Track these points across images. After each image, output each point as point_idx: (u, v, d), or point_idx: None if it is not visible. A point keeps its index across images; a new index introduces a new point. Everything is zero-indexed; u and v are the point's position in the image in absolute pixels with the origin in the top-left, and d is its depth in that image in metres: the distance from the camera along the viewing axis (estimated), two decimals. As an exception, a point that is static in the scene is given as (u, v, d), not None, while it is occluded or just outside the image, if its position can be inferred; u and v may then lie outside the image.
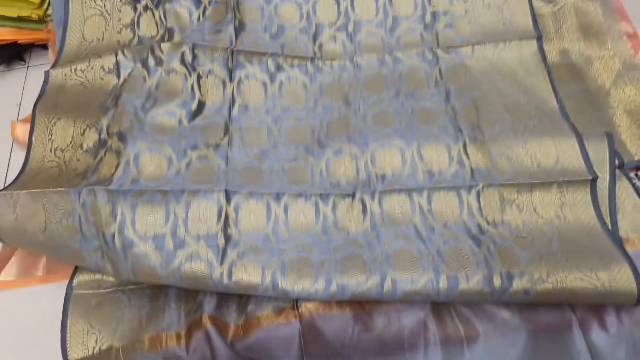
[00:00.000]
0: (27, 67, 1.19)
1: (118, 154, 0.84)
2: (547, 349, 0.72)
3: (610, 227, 0.78)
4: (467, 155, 0.85)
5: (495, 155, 0.84)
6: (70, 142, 0.92)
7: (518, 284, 0.71)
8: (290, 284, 0.74)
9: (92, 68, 0.99)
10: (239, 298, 0.79)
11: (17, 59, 1.20)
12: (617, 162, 0.84)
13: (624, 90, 0.94)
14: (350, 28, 1.06)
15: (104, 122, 0.90)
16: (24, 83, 1.16)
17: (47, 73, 1.00)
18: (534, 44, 0.98)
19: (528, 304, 0.74)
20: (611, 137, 0.84)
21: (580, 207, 0.79)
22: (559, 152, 0.83)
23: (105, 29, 1.04)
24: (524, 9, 1.02)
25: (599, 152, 0.83)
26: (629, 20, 1.04)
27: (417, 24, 1.05)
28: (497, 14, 1.03)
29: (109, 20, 1.05)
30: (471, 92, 0.93)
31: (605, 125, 0.90)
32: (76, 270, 0.84)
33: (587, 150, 0.82)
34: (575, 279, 0.71)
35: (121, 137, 0.86)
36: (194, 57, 0.96)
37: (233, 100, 0.96)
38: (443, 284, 0.73)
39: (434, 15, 1.05)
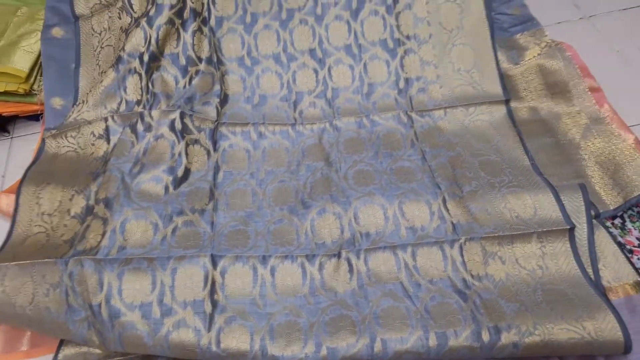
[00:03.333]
0: (11, 138, 1.20)
1: (104, 221, 0.84)
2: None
3: (592, 276, 0.80)
4: (447, 210, 0.88)
5: (475, 209, 0.87)
6: (58, 207, 0.92)
7: (506, 337, 0.71)
8: (280, 350, 0.73)
9: (82, 134, 1.01)
10: None
11: (0, 130, 1.21)
12: (593, 212, 0.86)
13: (593, 143, 0.98)
14: (329, 95, 1.11)
15: (93, 188, 0.90)
16: (7, 154, 1.16)
17: (43, 142, 1.02)
18: (503, 107, 1.03)
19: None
20: (584, 188, 0.87)
21: (561, 256, 0.81)
22: (536, 204, 0.86)
23: (91, 92, 1.07)
24: (492, 73, 1.08)
25: (575, 203, 0.85)
26: (592, 77, 1.10)
27: (391, 89, 1.10)
28: (467, 77, 1.09)
29: (96, 84, 1.07)
30: (446, 152, 0.97)
31: (579, 176, 0.94)
32: (62, 343, 0.81)
33: (563, 202, 0.85)
34: (562, 330, 0.71)
35: (107, 204, 0.87)
36: (183, 125, 0.99)
37: (217, 168, 0.99)
38: (432, 341, 0.72)
39: (407, 80, 1.10)
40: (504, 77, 1.09)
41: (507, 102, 1.04)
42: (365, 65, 1.13)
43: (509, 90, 1.07)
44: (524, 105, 1.07)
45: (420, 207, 0.88)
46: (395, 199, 0.89)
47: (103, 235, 0.82)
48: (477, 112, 1.04)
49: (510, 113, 1.03)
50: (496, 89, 1.06)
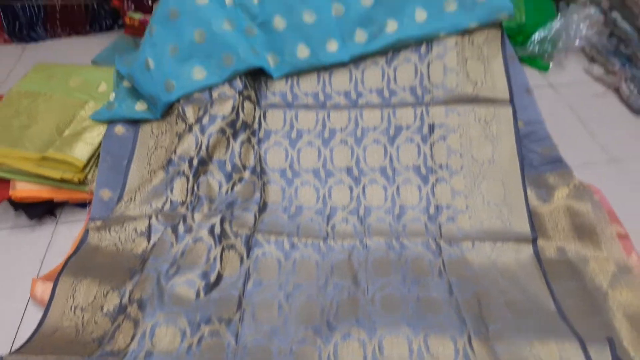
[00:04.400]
0: (57, 222, 1.26)
1: (136, 323, 0.87)
2: None
3: None
4: (472, 349, 0.87)
5: (500, 351, 0.86)
6: (92, 302, 0.95)
7: None
8: None
9: (125, 229, 1.06)
10: None
11: (48, 214, 1.27)
12: (621, 369, 0.85)
13: (621, 293, 0.98)
14: (361, 212, 1.16)
15: (128, 287, 0.94)
16: (50, 239, 1.22)
17: (86, 233, 1.07)
18: (530, 248, 1.06)
19: None
20: (613, 344, 0.86)
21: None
22: (562, 353, 0.85)
23: (139, 190, 1.13)
24: (520, 209, 1.12)
25: (602, 358, 0.84)
26: (620, 222, 1.13)
27: (421, 214, 1.14)
28: (495, 211, 1.13)
29: (146, 182, 1.14)
30: (473, 286, 0.98)
31: (606, 328, 0.92)
32: None
33: (590, 355, 0.84)
34: None
35: (141, 305, 0.89)
36: (222, 230, 1.04)
37: (248, 275, 1.02)
38: None
39: (437, 207, 1.15)
40: (532, 215, 1.12)
41: (534, 241, 1.07)
42: (398, 187, 1.18)
43: (537, 228, 1.10)
44: (552, 244, 1.09)
45: (445, 343, 0.88)
46: (421, 331, 0.90)
47: (132, 338, 0.84)
48: (504, 248, 1.06)
49: (537, 254, 1.05)
50: (524, 226, 1.09)
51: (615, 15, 1.53)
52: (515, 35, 1.63)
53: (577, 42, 1.64)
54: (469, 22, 1.23)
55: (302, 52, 1.24)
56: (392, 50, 1.27)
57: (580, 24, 1.63)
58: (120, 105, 1.27)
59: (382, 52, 1.26)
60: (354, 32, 1.24)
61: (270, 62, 1.25)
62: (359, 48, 1.25)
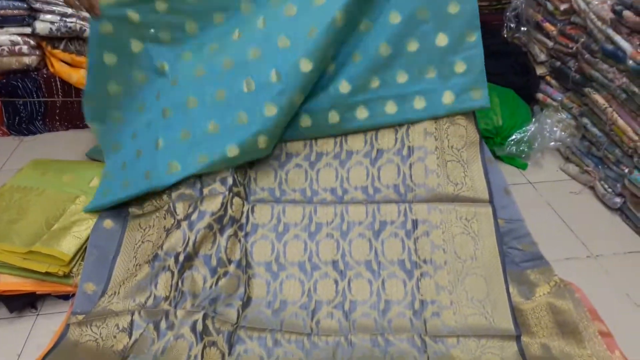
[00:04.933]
0: (37, 314, 1.24)
1: None
2: None
3: None
4: None
5: None
6: None
7: None
8: None
9: (107, 325, 1.05)
10: None
11: (29, 306, 1.25)
12: None
13: (606, 393, 0.97)
14: (347, 306, 1.16)
15: None
16: (29, 332, 1.19)
17: (67, 327, 1.06)
18: (514, 345, 1.06)
19: None
20: None
21: None
22: None
23: (124, 284, 1.13)
24: (503, 306, 1.13)
25: None
26: (601, 320, 1.13)
27: (406, 309, 1.15)
28: (479, 307, 1.13)
29: (131, 277, 1.14)
30: None
31: None
32: None
33: None
34: None
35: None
36: (204, 327, 1.03)
37: None
38: None
39: (422, 303, 1.15)
40: (515, 311, 1.13)
41: (518, 338, 1.07)
42: (383, 281, 1.19)
43: (520, 325, 1.10)
44: (536, 341, 1.09)
45: None
46: None
47: None
48: (489, 344, 1.06)
49: (521, 351, 1.05)
50: (507, 323, 1.10)
51: (586, 120, 1.64)
52: (493, 137, 1.73)
53: (551, 144, 1.74)
54: (444, 90, 1.31)
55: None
56: (377, 150, 1.34)
57: (554, 127, 1.74)
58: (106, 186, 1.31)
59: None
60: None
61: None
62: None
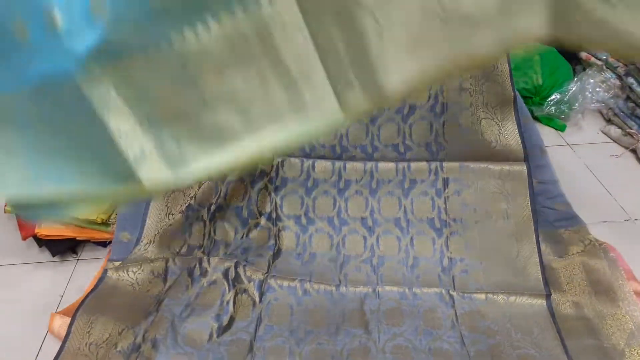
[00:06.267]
0: (77, 259, 1.30)
1: (147, 362, 0.88)
2: None
3: None
4: (483, 403, 0.86)
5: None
6: (107, 340, 0.96)
7: None
8: None
9: (142, 271, 1.09)
10: None
11: (70, 251, 1.31)
12: None
13: (638, 352, 0.96)
14: (375, 261, 1.17)
15: (143, 326, 0.96)
16: (70, 275, 1.25)
17: (105, 272, 1.10)
18: (543, 302, 1.05)
19: None
20: None
21: None
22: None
23: (159, 232, 1.17)
24: (534, 265, 1.11)
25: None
26: (637, 281, 1.11)
27: (435, 265, 1.15)
28: (509, 265, 1.12)
29: (165, 226, 1.17)
30: (486, 339, 0.97)
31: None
32: None
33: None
34: None
35: (155, 344, 0.91)
36: (236, 274, 1.06)
37: (260, 320, 1.02)
38: None
39: (451, 260, 1.15)
40: (546, 269, 1.11)
41: (548, 296, 1.06)
42: (412, 239, 1.19)
43: (550, 284, 1.09)
44: (567, 299, 1.08)
45: (455, 396, 0.87)
46: (431, 383, 0.89)
47: (143, 376, 0.85)
48: (517, 302, 1.05)
49: (551, 309, 1.04)
50: (538, 282, 1.09)
51: (631, 80, 1.56)
52: (532, 96, 1.67)
53: (593, 105, 1.68)
54: None
55: None
56: (409, 106, 1.31)
57: (597, 88, 1.67)
58: None
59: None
60: None
61: None
62: None
